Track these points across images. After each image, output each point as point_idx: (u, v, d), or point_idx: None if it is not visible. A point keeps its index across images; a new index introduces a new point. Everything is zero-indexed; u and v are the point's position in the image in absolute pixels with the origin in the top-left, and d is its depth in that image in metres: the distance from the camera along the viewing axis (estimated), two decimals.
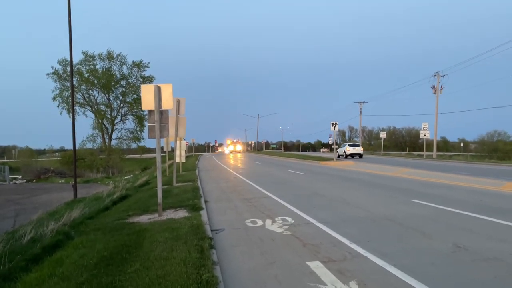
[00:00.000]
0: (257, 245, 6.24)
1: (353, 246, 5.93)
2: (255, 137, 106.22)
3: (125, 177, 32.51)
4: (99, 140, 54.85)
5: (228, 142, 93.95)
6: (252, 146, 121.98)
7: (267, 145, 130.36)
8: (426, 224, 7.45)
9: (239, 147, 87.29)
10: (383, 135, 58.41)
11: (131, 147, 60.39)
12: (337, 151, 41.23)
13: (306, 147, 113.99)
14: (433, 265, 5.01)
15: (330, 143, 76.64)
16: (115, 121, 55.99)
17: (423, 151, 45.27)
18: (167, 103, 8.65)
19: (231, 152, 79.72)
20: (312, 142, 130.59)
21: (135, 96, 55.70)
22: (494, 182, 14.34)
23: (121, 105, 56.65)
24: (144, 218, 8.35)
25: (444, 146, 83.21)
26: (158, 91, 8.48)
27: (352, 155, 39.40)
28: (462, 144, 79.75)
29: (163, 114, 8.67)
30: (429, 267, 4.94)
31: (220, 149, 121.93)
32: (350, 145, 41.45)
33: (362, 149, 41.89)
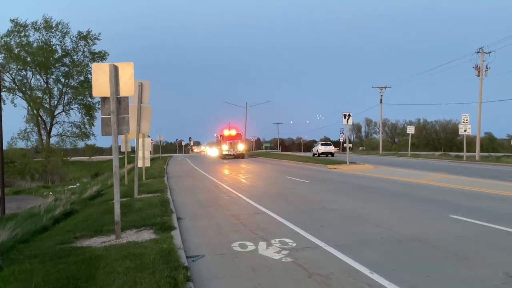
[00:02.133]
0: (247, 276, 6.25)
1: (374, 276, 5.97)
2: (243, 133, 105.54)
3: (70, 187, 32.27)
4: (34, 137, 54.55)
5: (225, 133, 55.71)
6: None
7: (259, 143, 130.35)
8: (469, 247, 7.53)
9: (241, 147, 54.61)
10: (410, 130, 58.76)
11: (78, 147, 60.05)
12: (312, 150, 63.22)
13: (309, 146, 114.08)
14: None
15: (341, 140, 76.16)
16: (56, 112, 55.69)
17: (462, 151, 45.69)
18: (127, 88, 8.60)
19: (226, 156, 52.83)
20: (317, 139, 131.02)
21: (83, 78, 55.31)
22: None
23: (64, 90, 56.23)
24: (96, 241, 8.30)
25: (490, 144, 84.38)
26: (115, 72, 8.43)
27: (325, 154, 55.82)
28: None
29: (121, 102, 8.62)
30: None
31: (196, 149, 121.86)
32: (322, 144, 59.53)
33: (333, 148, 59.47)
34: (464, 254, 7.06)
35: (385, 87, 68.11)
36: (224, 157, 52.79)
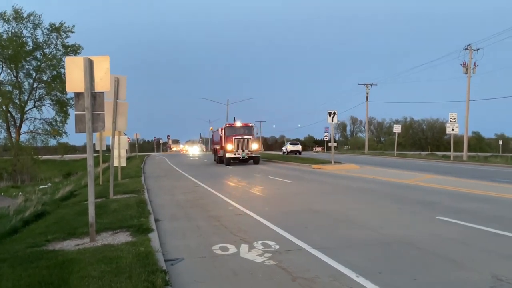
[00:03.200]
0: (229, 280, 6.24)
1: (360, 280, 6.01)
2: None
3: (41, 187, 31.90)
4: (2, 134, 53.66)
5: (229, 126, 39.65)
6: None
7: None
8: (456, 249, 7.63)
9: (254, 146, 37.69)
10: (397, 129, 59.29)
11: (49, 145, 59.30)
12: (282, 149, 70.66)
13: (293, 145, 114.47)
14: None
15: (326, 139, 76.50)
16: (26, 108, 54.83)
17: (449, 151, 46.34)
18: (103, 83, 8.52)
19: (232, 159, 37.09)
20: (302, 138, 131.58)
21: (55, 72, 54.60)
22: None
23: (35, 85, 55.44)
24: (69, 245, 8.21)
25: (478, 144, 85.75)
26: (89, 67, 8.34)
27: (294, 152, 62.29)
28: (500, 142, 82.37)
29: (96, 98, 8.54)
30: None
31: (175, 148, 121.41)
32: (290, 143, 67.59)
33: (300, 147, 67.90)
34: (451, 257, 7.15)
35: (371, 85, 68.71)
36: (228, 161, 36.45)
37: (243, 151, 36.02)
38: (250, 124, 39.73)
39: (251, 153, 36.35)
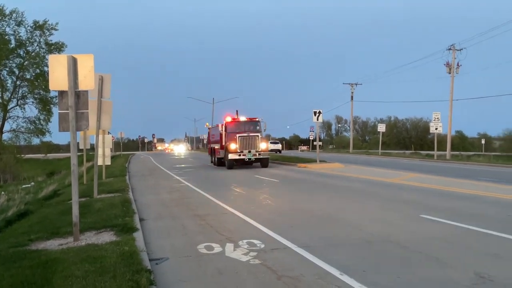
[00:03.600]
0: (214, 279, 6.24)
1: (345, 278, 6.04)
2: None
3: (24, 186, 31.52)
4: None
5: (231, 121, 32.19)
6: (205, 141, 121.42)
7: None
8: (440, 247, 7.70)
9: (263, 145, 30.86)
10: (381, 128, 59.62)
11: (32, 144, 58.76)
12: None
13: (273, 144, 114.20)
14: None
15: (311, 138, 76.89)
16: (9, 107, 54.21)
17: (433, 150, 46.77)
18: (87, 81, 8.46)
19: (236, 161, 30.11)
20: (287, 137, 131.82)
21: (39, 70, 54.07)
22: None
23: (18, 83, 54.81)
24: (53, 244, 8.14)
25: (461, 143, 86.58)
26: (73, 65, 8.27)
27: (274, 151, 62.65)
28: (483, 141, 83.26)
29: (80, 97, 8.47)
30: None
31: (160, 146, 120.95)
32: (271, 142, 64.54)
33: (280, 146, 73.12)
34: (434, 255, 7.21)
35: (356, 84, 68.92)
36: (231, 164, 29.72)
37: (249, 152, 29.30)
38: (257, 119, 32.36)
39: (259, 154, 29.70)
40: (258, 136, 30.04)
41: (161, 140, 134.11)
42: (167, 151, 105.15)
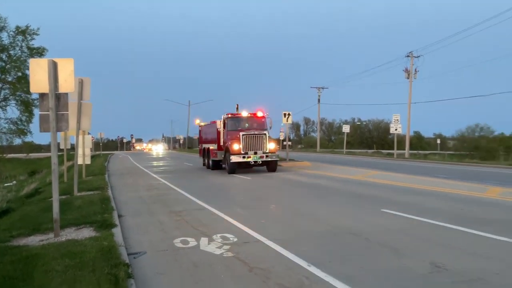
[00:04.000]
0: (189, 271, 6.20)
1: (312, 268, 6.09)
2: (185, 131, 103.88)
3: (6, 184, 30.79)
4: None
5: (232, 117, 25.61)
6: (181, 142, 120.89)
7: None
8: (399, 239, 7.82)
9: (271, 145, 24.00)
10: (346, 129, 60.29)
11: (14, 143, 57.34)
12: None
13: None
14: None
15: (281, 138, 77.16)
16: None
17: (393, 149, 47.45)
18: (67, 84, 8.31)
19: (240, 164, 23.57)
20: None
21: (20, 73, 52.87)
22: (477, 187, 15.38)
23: (0, 85, 53.50)
24: (34, 240, 7.97)
25: (418, 143, 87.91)
26: (53, 68, 8.11)
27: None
28: (438, 141, 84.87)
29: (60, 99, 8.32)
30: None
31: (138, 146, 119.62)
32: None
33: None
34: (394, 246, 7.32)
35: (323, 88, 69.38)
36: (233, 168, 23.42)
37: (256, 153, 23.02)
38: (262, 115, 25.84)
39: (267, 156, 23.22)
40: (265, 134, 23.66)
41: (140, 140, 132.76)
42: (145, 150, 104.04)
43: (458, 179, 18.71)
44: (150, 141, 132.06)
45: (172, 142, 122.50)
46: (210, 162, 27.81)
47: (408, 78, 45.39)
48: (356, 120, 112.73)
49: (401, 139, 52.08)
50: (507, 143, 44.94)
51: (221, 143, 25.20)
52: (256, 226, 9.13)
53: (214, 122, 27.19)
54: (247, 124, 25.07)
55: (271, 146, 23.62)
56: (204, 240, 7.94)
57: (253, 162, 23.20)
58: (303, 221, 9.78)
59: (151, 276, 6.07)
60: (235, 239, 7.99)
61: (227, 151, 23.60)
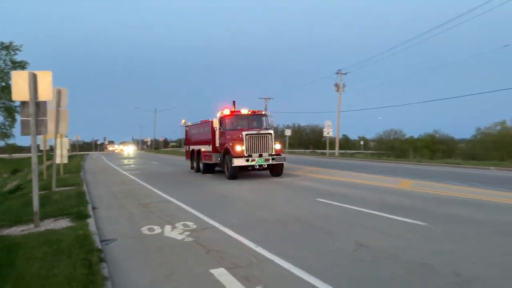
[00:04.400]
0: (154, 255, 6.07)
1: (259, 249, 6.10)
2: (152, 134, 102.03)
3: None
4: None
5: (229, 114, 18.97)
6: (148, 144, 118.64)
7: (166, 142, 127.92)
8: (331, 223, 7.98)
9: (277, 146, 17.95)
10: (288, 132, 60.98)
11: None
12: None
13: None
14: (336, 265, 5.39)
15: None
16: None
17: (326, 149, 48.48)
18: (45, 93, 7.96)
19: (242, 169, 17.47)
20: None
21: (4, 84, 50.42)
22: (393, 180, 15.92)
23: None
24: (16, 230, 7.57)
25: (346, 144, 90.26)
26: (33, 80, 7.75)
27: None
28: (362, 142, 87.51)
29: (40, 106, 7.97)
30: (333, 267, 5.31)
31: (110, 147, 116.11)
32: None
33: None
34: (328, 229, 7.46)
35: (269, 98, 69.86)
36: (235, 173, 17.47)
37: (261, 155, 17.32)
38: (263, 112, 20.48)
39: (274, 159, 17.51)
40: (271, 134, 17.68)
41: (112, 142, 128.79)
42: (115, 151, 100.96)
43: (378, 173, 19.30)
44: (121, 143, 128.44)
45: (141, 144, 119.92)
46: (201, 165, 21.50)
47: (337, 91, 46.47)
48: (296, 125, 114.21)
49: (332, 141, 53.21)
50: (415, 144, 46.98)
51: (217, 145, 19.04)
52: (213, 214, 9.00)
53: (207, 121, 21.02)
54: (248, 123, 19.00)
55: (277, 147, 17.79)
56: (168, 228, 7.80)
57: (257, 166, 17.37)
58: (253, 209, 9.79)
59: (121, 260, 5.90)
60: (195, 226, 7.89)
61: (227, 153, 17.59)
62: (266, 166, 17.59)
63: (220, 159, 18.73)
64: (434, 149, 44.63)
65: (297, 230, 7.54)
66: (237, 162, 16.84)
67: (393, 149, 58.07)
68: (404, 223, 7.89)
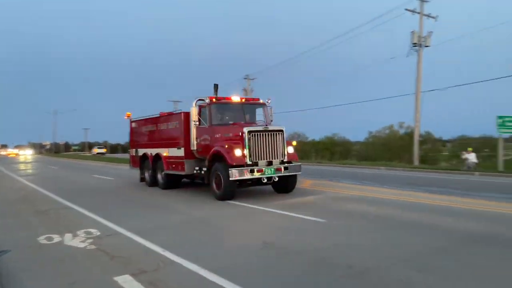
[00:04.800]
0: (54, 265, 5.66)
1: (166, 253, 5.99)
2: (51, 137, 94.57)
3: None
4: None
5: (211, 103, 12.05)
6: (47, 147, 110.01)
7: (68, 146, 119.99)
8: (239, 224, 8.14)
9: (290, 149, 11.86)
10: None
11: None
12: (91, 152, 79.35)
13: (114, 148, 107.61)
14: (243, 264, 5.51)
15: None
16: None
17: None
18: None
19: (239, 180, 10.79)
20: (123, 143, 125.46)
21: None
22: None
23: None
24: None
25: None
26: None
27: (100, 154, 71.41)
28: None
29: None
30: (241, 266, 5.42)
31: (4, 152, 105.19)
32: (97, 147, 76.98)
33: (105, 149, 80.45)
34: (235, 229, 7.60)
35: (178, 101, 68.78)
36: (232, 189, 10.98)
37: (270, 163, 11.26)
38: (261, 101, 13.21)
39: (287, 168, 11.38)
40: (282, 131, 11.63)
41: (5, 146, 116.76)
42: (10, 156, 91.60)
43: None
44: (16, 146, 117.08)
45: (39, 148, 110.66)
46: (161, 176, 14.58)
47: (246, 96, 47.41)
48: None
49: None
50: (316, 146, 49.42)
51: (194, 147, 12.68)
52: (117, 219, 8.57)
53: (173, 113, 14.48)
54: (242, 115, 12.60)
55: (289, 150, 11.89)
56: (68, 236, 7.28)
57: (265, 180, 11.11)
58: (161, 213, 9.58)
59: (16, 272, 5.39)
60: (98, 233, 7.48)
61: (217, 160, 11.39)
62: (277, 179, 11.35)
63: (199, 169, 12.48)
64: (333, 151, 47.32)
65: (203, 231, 7.53)
66: (237, 173, 10.67)
67: (297, 151, 60.53)
68: (303, 220, 8.26)
